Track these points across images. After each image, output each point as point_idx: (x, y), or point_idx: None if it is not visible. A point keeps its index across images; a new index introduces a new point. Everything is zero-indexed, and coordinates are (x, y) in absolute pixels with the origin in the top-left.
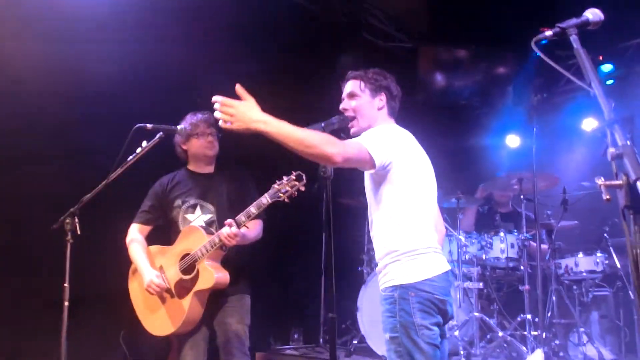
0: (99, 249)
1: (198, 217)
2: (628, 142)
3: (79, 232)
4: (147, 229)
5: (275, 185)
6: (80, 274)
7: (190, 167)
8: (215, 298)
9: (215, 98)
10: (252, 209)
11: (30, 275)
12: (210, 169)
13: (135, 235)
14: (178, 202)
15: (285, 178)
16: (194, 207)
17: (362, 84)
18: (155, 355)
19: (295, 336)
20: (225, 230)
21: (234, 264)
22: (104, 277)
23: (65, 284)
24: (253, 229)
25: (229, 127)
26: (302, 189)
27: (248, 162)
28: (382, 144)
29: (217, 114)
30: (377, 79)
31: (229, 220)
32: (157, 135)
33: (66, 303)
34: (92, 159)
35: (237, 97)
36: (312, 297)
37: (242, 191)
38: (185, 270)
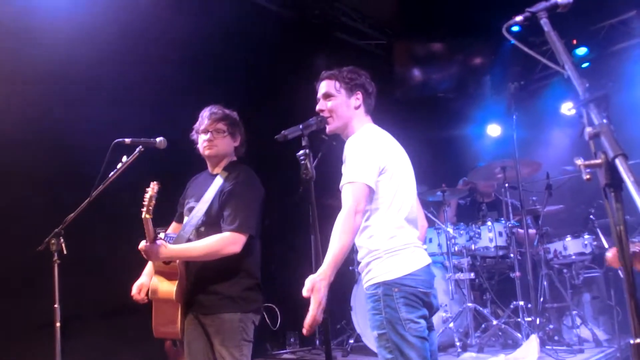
0: (87, 267)
1: (189, 221)
2: (604, 121)
3: (65, 252)
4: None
5: (144, 202)
6: (71, 293)
7: (209, 167)
8: (201, 315)
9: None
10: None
11: (20, 299)
12: (219, 170)
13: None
14: (185, 202)
15: (146, 192)
16: (190, 209)
17: (337, 84)
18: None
19: (292, 340)
20: (140, 245)
21: (205, 281)
22: (96, 295)
23: (56, 305)
24: (200, 245)
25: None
26: (147, 195)
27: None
28: (367, 168)
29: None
30: (352, 78)
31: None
32: (137, 149)
33: (58, 324)
34: (74, 178)
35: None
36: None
37: (229, 193)
38: None
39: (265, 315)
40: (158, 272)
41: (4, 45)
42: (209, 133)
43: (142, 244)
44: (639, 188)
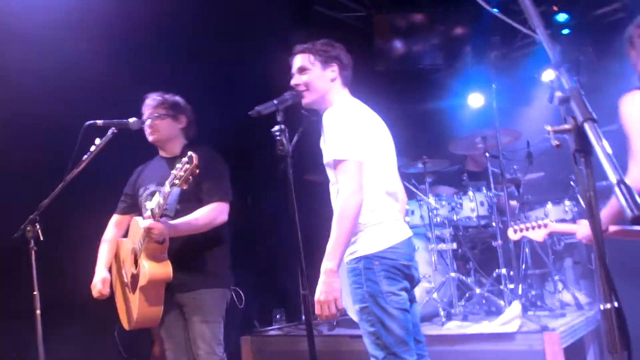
0: (65, 253)
1: (155, 204)
2: (574, 85)
3: (41, 238)
4: (127, 218)
5: (173, 171)
6: (50, 280)
7: (160, 152)
8: (179, 293)
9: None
10: (161, 198)
11: None
12: (174, 152)
13: (109, 230)
14: (141, 190)
15: (180, 163)
16: (152, 194)
17: (312, 57)
18: (139, 349)
19: (278, 316)
20: (144, 223)
21: (186, 258)
22: (75, 281)
23: (35, 292)
24: (197, 217)
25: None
26: (196, 171)
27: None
28: (353, 142)
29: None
30: (326, 50)
31: (148, 212)
32: (110, 131)
33: (38, 311)
34: (46, 163)
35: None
36: (290, 277)
37: (205, 170)
38: (134, 265)
39: (234, 294)
40: (148, 255)
41: None
42: (149, 119)
43: (150, 222)
44: (607, 153)
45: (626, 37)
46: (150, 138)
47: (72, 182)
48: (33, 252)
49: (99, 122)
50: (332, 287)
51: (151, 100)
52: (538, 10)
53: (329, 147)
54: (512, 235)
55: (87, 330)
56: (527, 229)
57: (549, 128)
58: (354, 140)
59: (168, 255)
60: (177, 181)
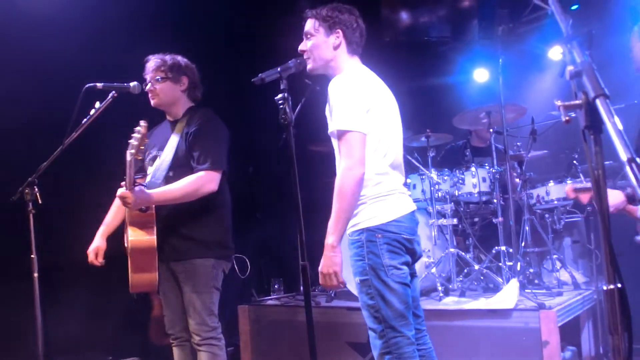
0: (63, 217)
1: (155, 169)
2: (587, 59)
3: (40, 201)
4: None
5: (131, 140)
6: (49, 244)
7: (166, 116)
8: (172, 262)
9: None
10: (127, 168)
11: None
12: (178, 115)
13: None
14: (146, 154)
15: (136, 132)
16: (154, 158)
17: (317, 23)
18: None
19: (276, 286)
20: (118, 192)
21: (178, 226)
22: (73, 245)
23: (33, 255)
24: (177, 187)
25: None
26: (139, 135)
27: None
28: (356, 113)
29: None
30: (330, 16)
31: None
32: (110, 95)
33: (35, 274)
34: (45, 126)
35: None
36: (290, 248)
37: (195, 134)
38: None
39: (235, 264)
40: (132, 222)
41: None
42: (149, 83)
43: (121, 190)
44: (619, 130)
45: (635, 30)
46: (152, 102)
47: (72, 145)
48: (31, 215)
49: (99, 84)
50: (332, 261)
51: (151, 63)
52: None
53: (333, 116)
54: (570, 193)
55: (85, 293)
56: (584, 190)
57: (558, 103)
58: (358, 111)
59: (159, 223)
60: (132, 150)
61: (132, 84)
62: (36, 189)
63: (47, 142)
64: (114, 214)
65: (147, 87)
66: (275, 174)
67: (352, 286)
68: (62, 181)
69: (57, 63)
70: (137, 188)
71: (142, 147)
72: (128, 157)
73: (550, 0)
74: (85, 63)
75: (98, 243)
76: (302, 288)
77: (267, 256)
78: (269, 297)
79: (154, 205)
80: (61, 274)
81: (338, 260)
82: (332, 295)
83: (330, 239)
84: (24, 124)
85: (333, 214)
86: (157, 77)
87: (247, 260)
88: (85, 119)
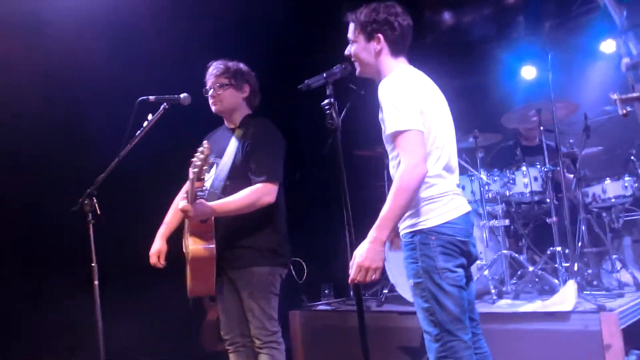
0: (120, 226)
1: (211, 177)
2: None
3: (98, 212)
4: None
5: (193, 160)
6: (107, 253)
7: (225, 122)
8: (230, 270)
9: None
10: (189, 183)
11: (59, 259)
12: (236, 123)
13: (178, 197)
14: None
15: (198, 152)
16: (211, 165)
17: (356, 29)
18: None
19: (326, 291)
20: (180, 204)
21: (235, 236)
22: (131, 254)
23: (93, 264)
24: (237, 198)
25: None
26: (202, 156)
27: None
28: (411, 112)
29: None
30: (367, 22)
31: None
32: (162, 107)
33: (96, 282)
34: (101, 139)
35: None
36: (338, 253)
37: (253, 145)
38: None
39: (292, 269)
40: (192, 232)
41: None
42: (212, 89)
43: (184, 204)
44: None
45: None
46: (213, 108)
47: (128, 156)
48: (91, 225)
49: (151, 97)
50: (380, 256)
51: (214, 69)
52: None
53: (388, 119)
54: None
55: (143, 300)
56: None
57: (615, 97)
58: (413, 110)
59: (218, 231)
60: (195, 170)
61: (182, 95)
62: (95, 200)
63: (105, 154)
64: (174, 213)
65: (210, 92)
66: (322, 179)
67: (403, 289)
68: (119, 192)
69: (112, 78)
70: (197, 201)
71: (205, 168)
72: (190, 175)
73: None
74: (138, 77)
75: (159, 245)
76: (352, 293)
77: (316, 261)
78: (320, 302)
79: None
80: (120, 282)
81: (382, 257)
82: (383, 299)
83: (380, 234)
84: (83, 138)
85: (387, 209)
86: (221, 84)
87: (303, 265)
88: (139, 131)
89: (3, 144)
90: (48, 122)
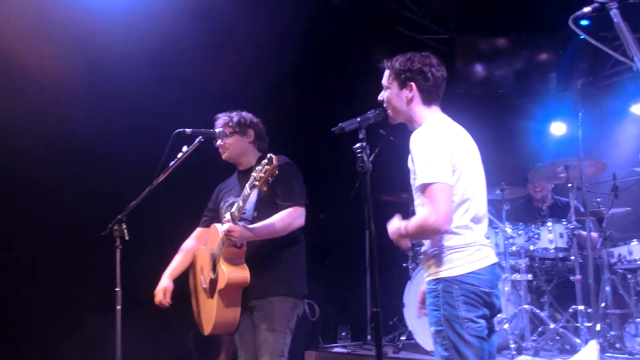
0: (146, 254)
1: (234, 209)
2: None
3: (127, 238)
4: (208, 231)
5: (253, 174)
6: (130, 278)
7: (237, 167)
8: (252, 299)
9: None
10: (240, 201)
11: (84, 282)
12: (251, 163)
13: (189, 240)
14: (221, 204)
15: (260, 165)
16: (231, 205)
17: (391, 76)
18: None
19: (343, 334)
20: (223, 227)
21: (260, 263)
22: (153, 281)
23: (117, 289)
24: (274, 221)
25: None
26: (276, 172)
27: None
28: (441, 164)
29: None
30: (402, 70)
31: (228, 217)
32: (197, 140)
33: (119, 307)
34: (136, 167)
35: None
36: (357, 295)
37: (278, 176)
38: (213, 270)
39: (307, 307)
40: (226, 259)
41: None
42: (219, 140)
43: (228, 225)
44: None
45: None
46: (223, 156)
47: (160, 185)
48: (118, 251)
49: (188, 130)
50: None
51: (219, 121)
52: (636, 36)
53: (418, 170)
54: None
55: (161, 328)
56: None
57: None
58: (442, 162)
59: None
60: (257, 182)
61: (217, 130)
62: (124, 226)
63: (137, 182)
64: (182, 258)
65: (217, 142)
66: (346, 221)
67: (421, 337)
68: (148, 220)
69: (152, 108)
70: (240, 223)
71: (270, 179)
72: (248, 190)
73: (636, 57)
74: (174, 110)
75: (165, 283)
76: (369, 336)
77: (334, 303)
78: (336, 344)
79: (246, 242)
80: (141, 309)
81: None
82: (400, 346)
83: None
84: (117, 165)
85: (405, 231)
86: (226, 132)
87: (314, 304)
88: (172, 162)
89: (44, 168)
90: (85, 146)
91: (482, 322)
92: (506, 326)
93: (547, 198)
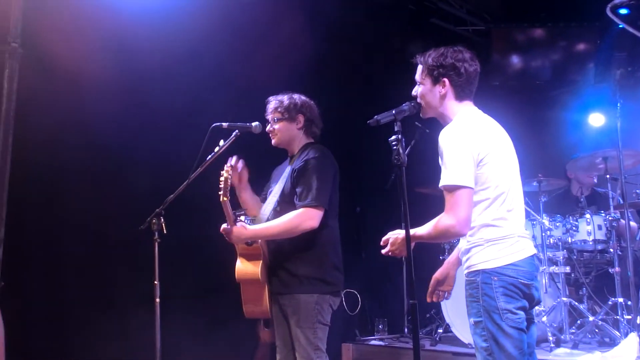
0: (185, 247)
1: (267, 206)
2: None
3: (165, 231)
4: None
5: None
6: (170, 271)
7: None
8: (278, 295)
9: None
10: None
11: (123, 275)
12: (294, 152)
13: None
14: (268, 188)
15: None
16: (271, 192)
17: (423, 72)
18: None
19: (380, 327)
20: (222, 227)
21: (283, 261)
22: (192, 274)
23: (156, 282)
24: (278, 223)
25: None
26: (226, 174)
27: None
28: (465, 167)
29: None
30: (434, 65)
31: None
32: (234, 134)
33: (157, 300)
34: (173, 161)
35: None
36: (394, 287)
37: (300, 170)
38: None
39: (344, 300)
40: (241, 254)
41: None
42: (269, 124)
43: (223, 227)
44: None
45: None
46: (272, 142)
47: (197, 179)
48: (156, 244)
49: (224, 124)
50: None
51: (271, 105)
52: None
53: (443, 171)
54: None
55: (201, 320)
56: None
57: None
58: (466, 165)
59: (269, 256)
60: (220, 192)
61: (254, 124)
62: (162, 220)
63: (175, 176)
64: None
65: (267, 127)
66: (381, 213)
67: (458, 330)
68: (185, 213)
69: (189, 102)
70: (238, 224)
71: (227, 189)
72: (221, 199)
73: None
74: (212, 104)
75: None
76: (406, 329)
77: (371, 296)
78: (373, 337)
79: (259, 240)
80: (178, 301)
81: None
82: (437, 338)
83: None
84: (156, 159)
85: (422, 234)
86: (275, 118)
87: (358, 296)
88: (209, 156)
89: (82, 163)
90: (124, 142)
91: (521, 313)
92: (544, 319)
93: (591, 187)
